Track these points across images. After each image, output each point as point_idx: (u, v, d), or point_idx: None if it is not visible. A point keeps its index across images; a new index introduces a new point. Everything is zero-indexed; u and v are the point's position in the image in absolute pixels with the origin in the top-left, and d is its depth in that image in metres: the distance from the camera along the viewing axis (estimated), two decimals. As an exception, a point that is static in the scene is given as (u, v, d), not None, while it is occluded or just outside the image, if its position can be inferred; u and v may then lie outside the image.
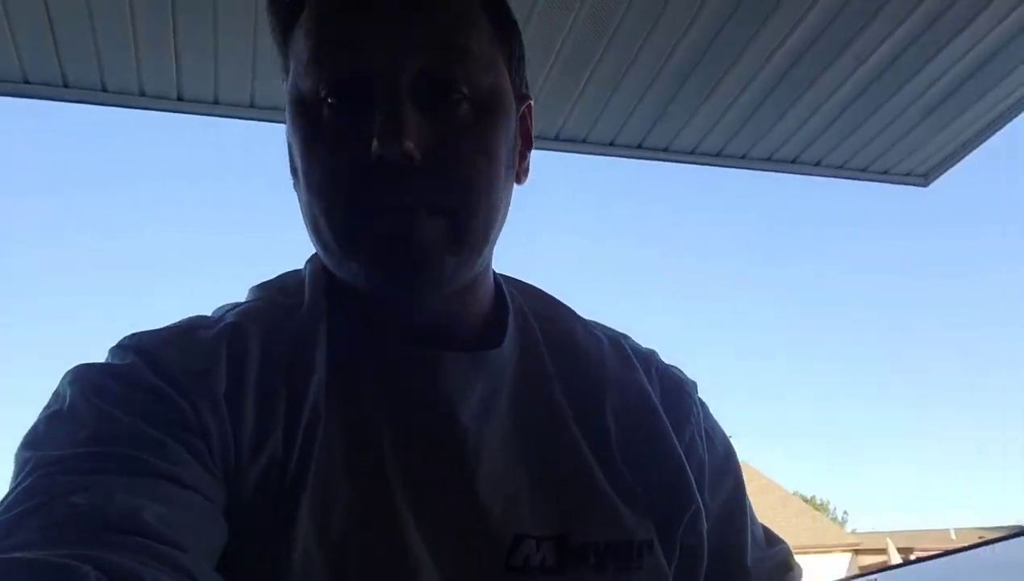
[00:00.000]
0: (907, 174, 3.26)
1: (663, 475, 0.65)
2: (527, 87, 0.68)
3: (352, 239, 0.57)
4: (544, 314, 0.71)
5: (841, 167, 3.17)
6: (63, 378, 0.55)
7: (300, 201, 0.61)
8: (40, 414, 0.54)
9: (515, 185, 0.65)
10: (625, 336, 0.74)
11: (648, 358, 0.73)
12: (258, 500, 0.53)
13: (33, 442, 0.51)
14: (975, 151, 3.09)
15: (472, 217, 0.58)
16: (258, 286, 0.66)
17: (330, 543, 0.54)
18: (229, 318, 0.60)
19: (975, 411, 56.91)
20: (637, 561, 0.61)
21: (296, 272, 0.67)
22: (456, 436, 0.60)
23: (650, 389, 0.68)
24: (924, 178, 3.28)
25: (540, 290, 0.74)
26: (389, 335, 0.61)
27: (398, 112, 0.55)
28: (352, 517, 0.55)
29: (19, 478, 0.48)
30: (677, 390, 0.71)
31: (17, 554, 0.41)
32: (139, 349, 0.56)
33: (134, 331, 0.59)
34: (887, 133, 2.96)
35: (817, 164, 3.14)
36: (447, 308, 0.63)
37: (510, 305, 0.68)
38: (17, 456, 0.51)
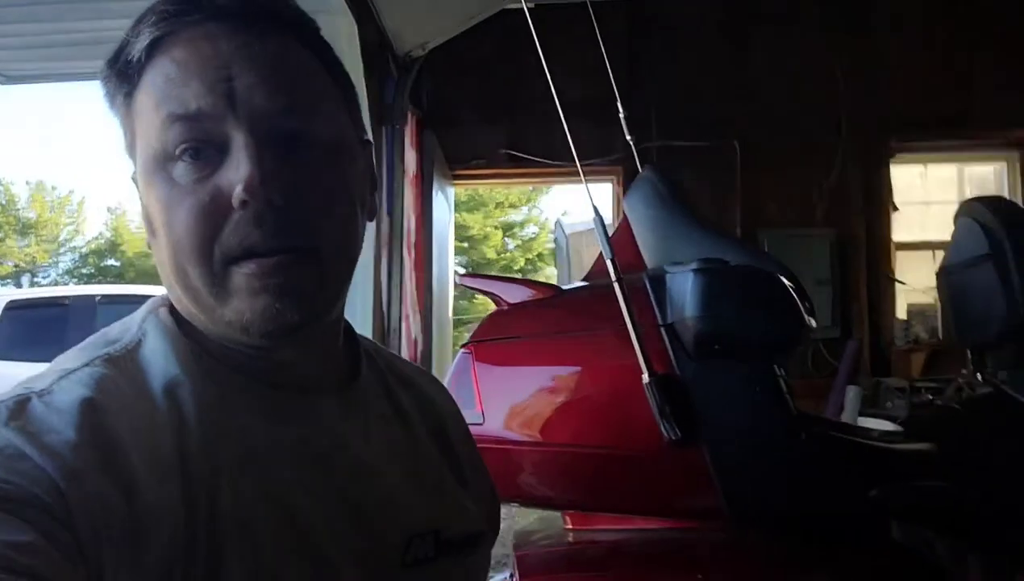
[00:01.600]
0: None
1: (485, 483, 0.82)
2: (366, 133, 0.73)
3: (224, 285, 0.59)
4: (381, 353, 0.80)
5: None
6: None
7: (160, 259, 0.62)
8: None
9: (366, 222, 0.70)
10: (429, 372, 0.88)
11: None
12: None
13: None
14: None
15: (336, 255, 0.62)
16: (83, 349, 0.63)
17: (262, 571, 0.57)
18: (77, 391, 0.56)
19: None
20: (480, 547, 0.74)
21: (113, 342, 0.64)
22: (346, 463, 0.65)
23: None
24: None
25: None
26: (261, 384, 0.64)
27: (257, 160, 0.57)
28: (275, 548, 0.58)
29: None
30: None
31: None
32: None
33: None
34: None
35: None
36: (314, 347, 0.67)
37: (360, 341, 0.75)
38: None
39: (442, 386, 0.86)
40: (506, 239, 17.29)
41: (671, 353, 1.24)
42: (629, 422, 1.25)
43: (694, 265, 1.20)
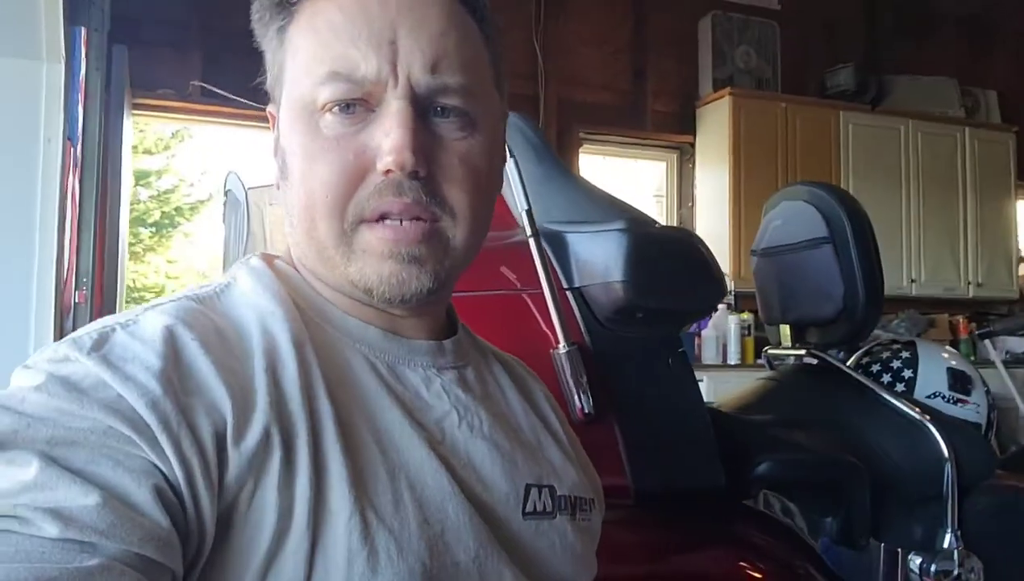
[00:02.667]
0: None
1: (586, 463, 0.78)
2: (505, 100, 0.71)
3: (351, 244, 0.60)
4: (469, 330, 0.78)
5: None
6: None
7: (289, 203, 0.62)
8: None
9: None
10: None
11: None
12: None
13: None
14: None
15: (467, 231, 0.62)
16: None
17: (379, 504, 0.55)
18: (161, 320, 0.56)
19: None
20: (591, 514, 0.72)
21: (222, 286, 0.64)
22: (454, 408, 0.65)
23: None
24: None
25: None
26: (368, 331, 0.64)
27: (408, 128, 0.57)
28: (397, 480, 0.57)
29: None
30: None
31: None
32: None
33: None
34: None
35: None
36: (426, 316, 0.67)
37: (455, 314, 0.75)
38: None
39: (524, 365, 0.82)
40: (139, 188, 15.46)
41: (580, 320, 1.13)
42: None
43: (619, 224, 1.10)
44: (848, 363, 1.59)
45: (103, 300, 3.20)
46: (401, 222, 0.59)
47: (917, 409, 1.33)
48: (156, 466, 0.48)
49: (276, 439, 0.53)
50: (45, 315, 2.28)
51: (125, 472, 0.47)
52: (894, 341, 1.60)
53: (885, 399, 1.35)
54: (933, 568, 1.26)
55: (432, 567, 0.55)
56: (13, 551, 0.43)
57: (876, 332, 4.88)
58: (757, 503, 1.31)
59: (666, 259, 1.09)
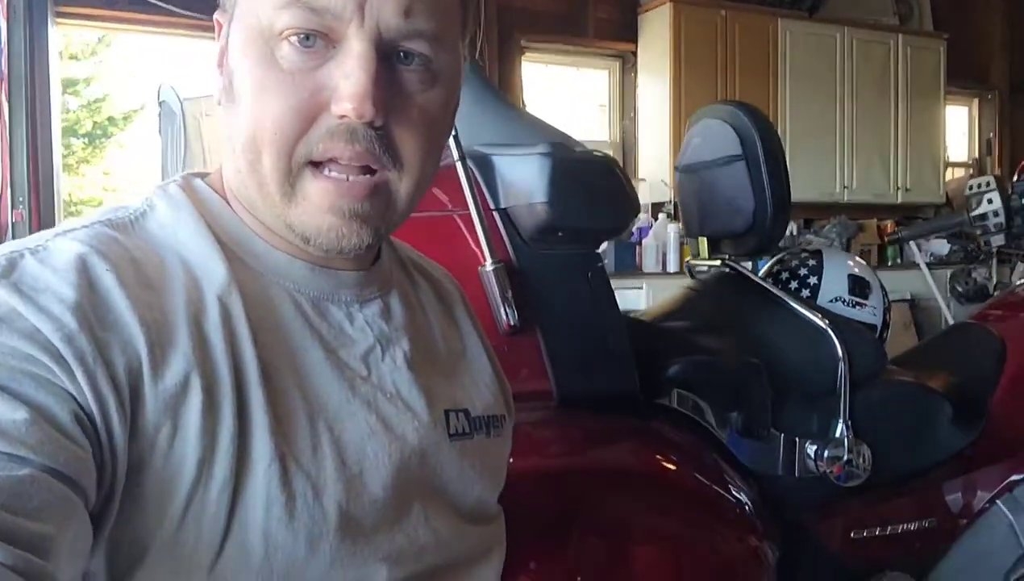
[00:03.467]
0: None
1: (496, 369, 0.82)
2: (470, 57, 0.70)
3: (295, 185, 0.59)
4: (395, 242, 0.80)
5: None
6: None
7: (232, 126, 0.60)
8: None
9: None
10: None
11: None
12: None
13: None
14: None
15: (413, 186, 0.61)
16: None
17: (299, 447, 0.57)
18: (74, 248, 0.55)
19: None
20: (502, 430, 0.77)
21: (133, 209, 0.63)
22: (378, 342, 0.67)
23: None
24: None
25: None
26: (296, 262, 0.64)
27: (370, 73, 0.55)
28: (318, 421, 0.59)
29: None
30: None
31: None
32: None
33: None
34: None
35: None
36: (358, 256, 0.67)
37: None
38: None
39: (446, 271, 0.86)
40: (68, 97, 14.77)
41: (506, 239, 1.21)
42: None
43: (541, 148, 1.17)
44: (762, 272, 1.71)
45: (40, 217, 3.16)
46: (348, 178, 0.58)
47: (817, 313, 1.46)
48: (73, 396, 0.48)
49: (197, 384, 0.53)
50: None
51: (48, 394, 0.47)
52: (803, 250, 1.72)
53: (788, 304, 1.48)
54: (826, 454, 1.42)
55: (349, 508, 0.58)
56: None
57: (809, 237, 5.08)
58: (671, 401, 1.43)
59: (584, 182, 1.17)
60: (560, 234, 1.18)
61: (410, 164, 0.60)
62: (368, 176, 0.59)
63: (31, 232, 2.90)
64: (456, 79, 0.64)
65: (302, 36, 0.56)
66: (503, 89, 4.94)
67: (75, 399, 0.48)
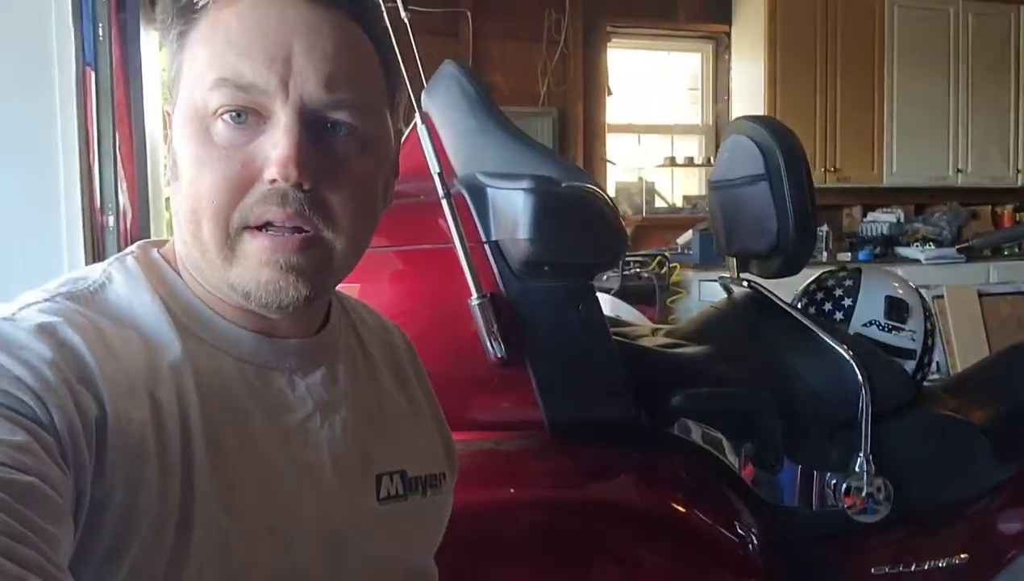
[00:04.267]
0: None
1: (441, 425, 0.86)
2: (400, 122, 0.74)
3: (234, 248, 0.62)
4: (347, 300, 0.82)
5: None
6: None
7: (176, 202, 0.64)
8: None
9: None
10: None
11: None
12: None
13: None
14: None
15: (348, 246, 0.64)
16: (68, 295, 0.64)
17: (237, 514, 0.61)
18: (40, 318, 0.58)
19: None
20: (441, 488, 0.79)
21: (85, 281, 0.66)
22: (317, 410, 0.69)
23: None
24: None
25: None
26: (239, 331, 0.67)
27: (295, 140, 0.59)
28: (255, 487, 0.63)
29: None
30: None
31: None
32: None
33: None
34: None
35: None
36: (300, 317, 0.70)
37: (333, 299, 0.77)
38: None
39: (396, 325, 0.88)
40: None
41: (496, 272, 1.23)
42: (453, 342, 1.22)
43: (525, 183, 1.17)
44: (799, 291, 1.65)
45: (139, 223, 3.35)
46: (284, 234, 0.61)
47: (839, 340, 1.40)
48: (57, 430, 0.52)
49: (152, 448, 0.57)
50: (75, 242, 2.44)
51: (34, 424, 0.51)
52: (843, 269, 1.64)
53: (811, 330, 1.43)
54: (844, 486, 1.36)
55: (285, 573, 0.63)
56: None
57: (916, 225, 4.76)
58: (689, 433, 1.41)
59: (567, 217, 1.17)
60: (546, 268, 1.19)
61: (343, 225, 0.63)
62: (303, 232, 0.61)
63: (120, 238, 3.09)
64: (385, 145, 0.68)
65: (234, 113, 0.60)
66: (589, 77, 4.88)
67: (57, 434, 0.52)
